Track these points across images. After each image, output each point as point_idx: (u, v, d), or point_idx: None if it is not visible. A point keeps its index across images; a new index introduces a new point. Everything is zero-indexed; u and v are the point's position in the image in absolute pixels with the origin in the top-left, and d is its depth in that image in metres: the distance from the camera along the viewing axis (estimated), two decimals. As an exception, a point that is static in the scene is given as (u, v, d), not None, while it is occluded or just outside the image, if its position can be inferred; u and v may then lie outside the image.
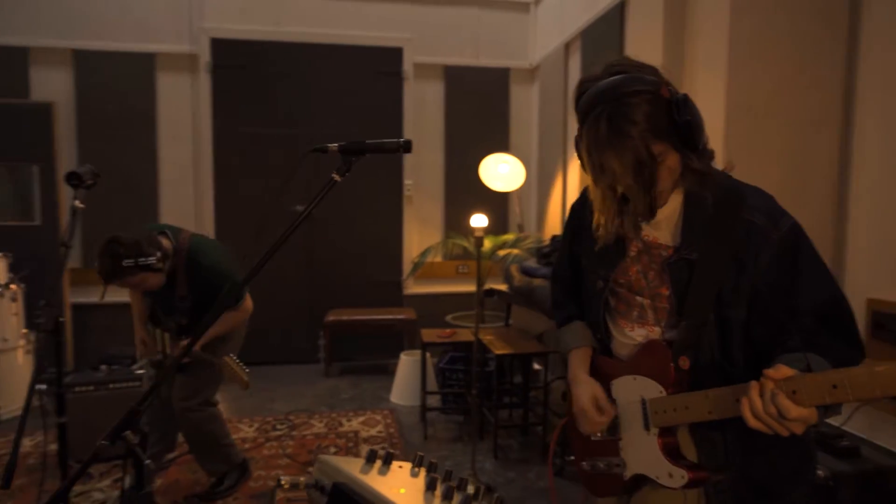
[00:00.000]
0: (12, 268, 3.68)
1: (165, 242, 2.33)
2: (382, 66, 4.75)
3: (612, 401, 1.18)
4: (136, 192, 4.44)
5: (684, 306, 1.06)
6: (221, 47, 4.52)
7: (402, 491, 1.04)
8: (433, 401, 3.73)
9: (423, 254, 4.55)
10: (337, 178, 1.21)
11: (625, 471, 1.15)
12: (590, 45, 3.76)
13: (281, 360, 4.66)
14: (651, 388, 1.09)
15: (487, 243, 4.05)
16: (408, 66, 4.78)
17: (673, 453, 1.08)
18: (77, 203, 1.93)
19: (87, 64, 4.32)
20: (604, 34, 3.51)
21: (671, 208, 1.09)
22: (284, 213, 4.44)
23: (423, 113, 4.87)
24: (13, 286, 3.61)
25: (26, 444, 3.09)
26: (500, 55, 4.93)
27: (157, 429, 2.59)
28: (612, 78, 0.99)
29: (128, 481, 1.26)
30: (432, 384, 3.81)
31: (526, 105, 5.03)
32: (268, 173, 4.61)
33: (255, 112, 4.63)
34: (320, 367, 4.60)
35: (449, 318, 4.46)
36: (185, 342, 2.33)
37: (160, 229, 2.39)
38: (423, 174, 4.90)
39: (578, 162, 1.06)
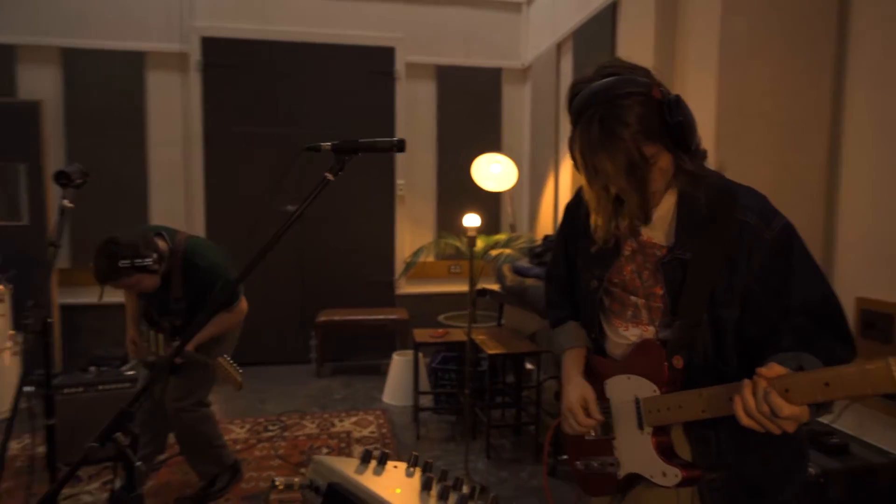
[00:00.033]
0: (-1, 268, 3.64)
1: (162, 244, 2.32)
2: (374, 65, 4.74)
3: (606, 400, 1.18)
4: (126, 191, 4.40)
5: (678, 306, 1.07)
6: (212, 46, 4.49)
7: (398, 491, 1.03)
8: (426, 401, 3.73)
9: (416, 254, 4.54)
10: (330, 177, 1.20)
11: (618, 470, 1.15)
12: (582, 45, 3.77)
13: (272, 361, 4.63)
14: (645, 388, 1.10)
15: (479, 243, 4.05)
16: (400, 66, 4.77)
17: (667, 452, 1.08)
18: (66, 202, 1.91)
19: (75, 62, 4.28)
20: (596, 34, 3.52)
21: (665, 208, 1.09)
22: (276, 213, 4.43)
23: (415, 113, 4.86)
24: (0, 287, 3.57)
25: (14, 446, 3.05)
26: (492, 55, 4.93)
27: (148, 430, 2.57)
28: (604, 80, 1.00)
29: (118, 484, 1.25)
30: (425, 384, 3.81)
31: (518, 105, 5.04)
32: (259, 173, 4.59)
33: (246, 111, 4.60)
34: (312, 367, 4.57)
35: (441, 317, 4.46)
36: (178, 342, 2.31)
37: (156, 231, 2.38)
38: (415, 174, 4.90)
39: (570, 162, 1.07)
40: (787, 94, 2.24)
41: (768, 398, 0.86)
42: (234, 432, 3.35)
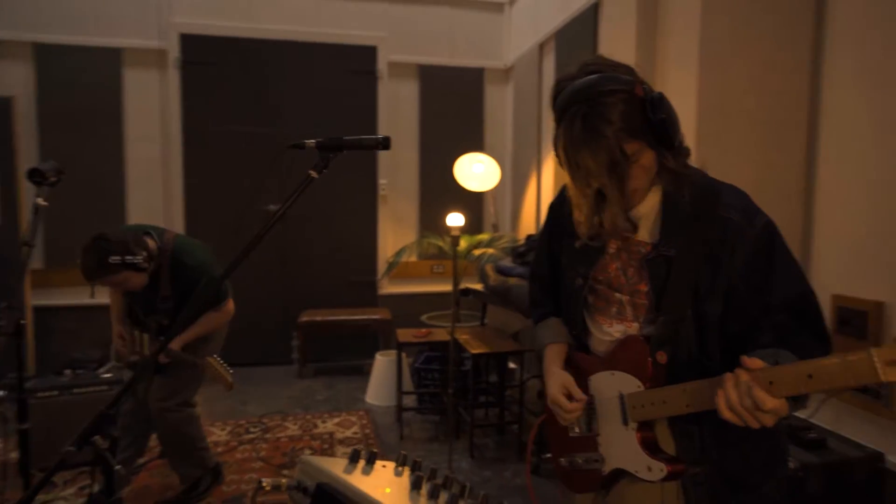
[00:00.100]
0: (-30, 269, 3.54)
1: (151, 243, 2.30)
2: (356, 64, 4.72)
3: (590, 397, 1.19)
4: (102, 190, 4.31)
5: (662, 302, 1.08)
6: (191, 43, 4.42)
7: (388, 490, 1.03)
8: (409, 401, 3.72)
9: (398, 253, 4.53)
10: (314, 174, 1.19)
11: (603, 466, 1.16)
12: (564, 45, 3.80)
13: (254, 362, 4.58)
14: (629, 383, 1.10)
15: (463, 243, 4.06)
16: (382, 65, 4.75)
17: (651, 447, 1.09)
18: (40, 201, 1.87)
19: (48, 58, 4.17)
20: (578, 35, 3.54)
21: (649, 206, 1.10)
22: (257, 213, 4.38)
23: (398, 112, 4.85)
24: (-29, 288, 3.48)
25: (-15, 452, 2.97)
26: (474, 55, 4.94)
27: (129, 432, 2.53)
28: (587, 77, 1.00)
29: (96, 488, 1.22)
30: (408, 384, 3.80)
31: (500, 105, 5.05)
32: (239, 172, 4.53)
33: (227, 109, 4.54)
34: (294, 368, 4.53)
35: (424, 317, 4.45)
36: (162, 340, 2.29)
37: (144, 230, 2.36)
38: (397, 173, 4.88)
39: (553, 162, 1.07)
40: (768, 92, 2.27)
41: (751, 392, 0.87)
42: (216, 434, 3.30)
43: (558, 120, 1.03)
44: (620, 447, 1.13)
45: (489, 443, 3.29)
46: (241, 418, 3.57)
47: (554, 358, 1.27)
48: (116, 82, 4.32)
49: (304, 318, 4.42)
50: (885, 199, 2.02)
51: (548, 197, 4.09)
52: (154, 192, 4.45)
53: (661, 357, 1.07)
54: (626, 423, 1.11)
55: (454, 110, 4.92)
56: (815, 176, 2.31)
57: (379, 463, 1.13)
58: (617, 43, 2.92)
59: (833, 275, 2.21)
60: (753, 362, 0.89)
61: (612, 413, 1.14)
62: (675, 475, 1.06)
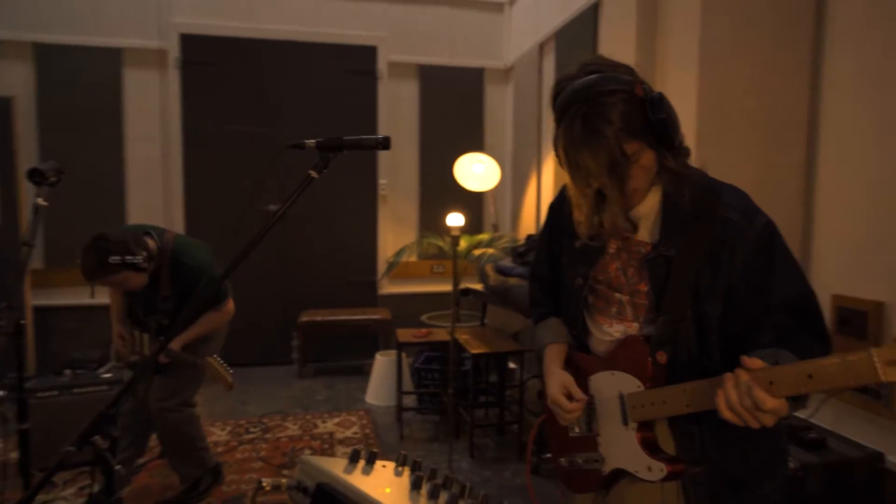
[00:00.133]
0: (-30, 269, 3.54)
1: (151, 243, 2.30)
2: (356, 64, 4.71)
3: (590, 397, 1.19)
4: (102, 190, 4.31)
5: (662, 302, 1.08)
6: (191, 43, 4.42)
7: (388, 490, 1.02)
8: (409, 401, 3.72)
9: (398, 253, 4.53)
10: (314, 174, 1.19)
11: (603, 466, 1.16)
12: (564, 45, 3.80)
13: (254, 362, 4.58)
14: (629, 383, 1.10)
15: (462, 243, 4.06)
16: (382, 65, 4.75)
17: (651, 447, 1.09)
18: (40, 201, 1.87)
19: (48, 58, 4.17)
20: (578, 35, 3.54)
21: (649, 206, 1.10)
22: (257, 213, 4.38)
23: (398, 112, 4.85)
24: (-29, 288, 3.48)
25: (-15, 452, 2.97)
26: (474, 55, 4.94)
27: (129, 433, 2.53)
28: (587, 77, 1.00)
29: (96, 488, 1.22)
30: (408, 384, 3.80)
31: (500, 105, 5.05)
32: (239, 172, 4.53)
33: (227, 109, 4.54)
34: (294, 368, 4.53)
35: (424, 317, 4.45)
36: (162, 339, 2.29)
37: (144, 230, 2.36)
38: (397, 173, 4.88)
39: (553, 162, 1.08)
40: (768, 92, 2.27)
41: (751, 392, 0.87)
42: (216, 434, 3.30)
43: (558, 120, 1.03)
44: (620, 447, 1.13)
45: (489, 443, 3.29)
46: (241, 418, 3.57)
47: (554, 358, 1.27)
48: (116, 82, 4.32)
49: (304, 318, 4.42)
50: (885, 199, 2.02)
51: (548, 197, 4.09)
52: (154, 192, 4.45)
53: (661, 357, 1.07)
54: (626, 423, 1.11)
55: (454, 110, 4.92)
56: (815, 176, 2.31)
57: (379, 463, 1.13)
58: (617, 43, 2.91)
59: (833, 275, 2.21)
60: (753, 362, 0.88)
61: (612, 413, 1.14)
62: (675, 475, 1.06)
